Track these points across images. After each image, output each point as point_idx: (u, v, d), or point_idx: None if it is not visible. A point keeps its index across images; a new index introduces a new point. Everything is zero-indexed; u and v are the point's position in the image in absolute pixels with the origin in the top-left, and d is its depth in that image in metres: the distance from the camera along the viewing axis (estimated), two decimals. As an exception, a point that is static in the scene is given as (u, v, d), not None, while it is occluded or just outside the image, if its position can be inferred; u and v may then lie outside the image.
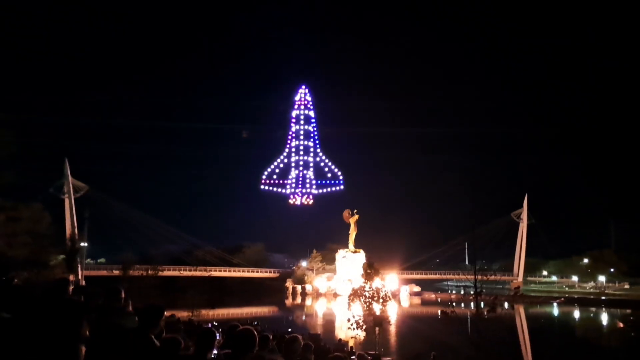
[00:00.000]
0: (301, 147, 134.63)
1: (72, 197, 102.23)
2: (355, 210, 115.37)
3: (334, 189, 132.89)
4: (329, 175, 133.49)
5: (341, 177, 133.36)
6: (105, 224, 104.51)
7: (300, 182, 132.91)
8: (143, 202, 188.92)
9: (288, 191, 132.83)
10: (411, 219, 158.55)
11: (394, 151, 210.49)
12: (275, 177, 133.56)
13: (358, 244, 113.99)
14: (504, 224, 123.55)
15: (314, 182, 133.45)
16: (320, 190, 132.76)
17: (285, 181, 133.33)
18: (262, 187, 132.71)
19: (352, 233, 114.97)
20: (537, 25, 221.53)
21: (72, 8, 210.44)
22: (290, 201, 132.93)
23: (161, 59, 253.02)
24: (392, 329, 49.60)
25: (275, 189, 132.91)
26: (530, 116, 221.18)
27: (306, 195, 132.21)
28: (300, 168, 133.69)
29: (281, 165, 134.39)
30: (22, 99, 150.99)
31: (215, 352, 6.65)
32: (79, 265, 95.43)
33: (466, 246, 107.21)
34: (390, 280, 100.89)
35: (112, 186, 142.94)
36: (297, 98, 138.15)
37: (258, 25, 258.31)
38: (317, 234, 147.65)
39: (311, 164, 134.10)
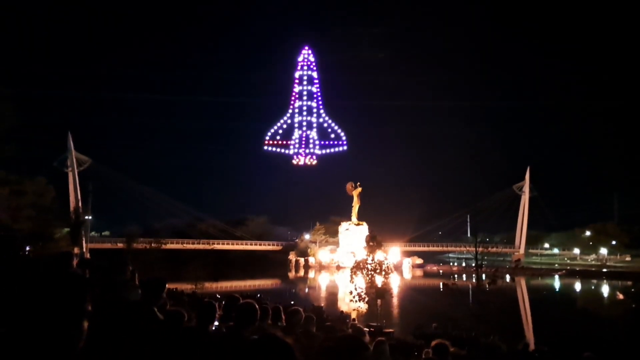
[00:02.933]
0: (304, 108, 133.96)
1: (76, 171, 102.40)
2: (359, 183, 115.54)
3: (337, 149, 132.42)
4: (332, 135, 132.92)
5: (344, 138, 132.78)
6: (109, 197, 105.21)
7: (303, 142, 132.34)
8: (147, 175, 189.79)
9: (291, 152, 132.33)
10: (414, 191, 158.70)
11: (397, 123, 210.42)
12: (278, 137, 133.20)
13: (361, 217, 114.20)
14: (506, 196, 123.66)
15: (317, 142, 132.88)
16: (324, 151, 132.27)
17: (289, 142, 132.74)
18: (264, 148, 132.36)
19: (355, 205, 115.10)
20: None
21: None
22: (294, 162, 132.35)
23: (161, 28, 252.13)
24: (394, 301, 49.93)
25: (278, 149, 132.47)
26: (532, 88, 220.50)
27: (310, 156, 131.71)
28: (304, 128, 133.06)
29: (284, 126, 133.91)
30: (25, 72, 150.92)
31: (216, 324, 6.78)
32: (84, 238, 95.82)
33: (468, 219, 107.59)
34: (393, 252, 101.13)
35: (115, 159, 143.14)
36: (300, 59, 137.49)
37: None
38: (320, 207, 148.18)
39: (314, 124, 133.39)
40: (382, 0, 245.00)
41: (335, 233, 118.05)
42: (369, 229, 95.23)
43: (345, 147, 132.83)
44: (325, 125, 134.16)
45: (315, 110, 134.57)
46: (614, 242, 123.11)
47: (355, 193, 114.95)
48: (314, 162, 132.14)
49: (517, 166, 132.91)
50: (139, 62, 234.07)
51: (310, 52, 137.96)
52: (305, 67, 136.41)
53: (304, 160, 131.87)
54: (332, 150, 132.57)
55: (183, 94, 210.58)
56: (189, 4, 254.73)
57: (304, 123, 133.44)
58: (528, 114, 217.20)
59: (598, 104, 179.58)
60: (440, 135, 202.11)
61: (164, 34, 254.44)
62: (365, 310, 37.00)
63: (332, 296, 65.87)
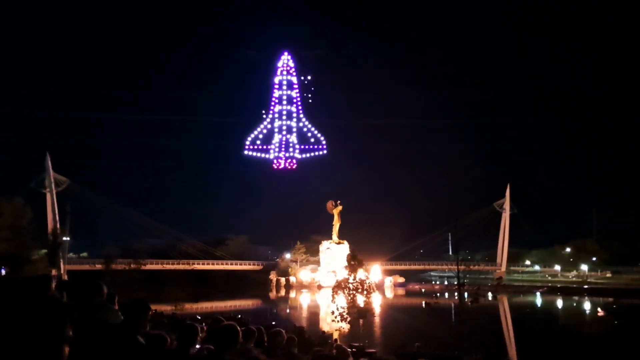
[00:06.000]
0: (284, 112, 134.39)
1: (54, 192, 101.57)
2: (339, 201, 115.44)
3: (317, 153, 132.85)
4: (312, 140, 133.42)
5: (324, 142, 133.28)
6: (87, 217, 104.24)
7: (283, 146, 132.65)
8: (125, 195, 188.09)
9: (272, 156, 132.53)
10: (395, 209, 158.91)
11: (377, 140, 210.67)
12: (258, 142, 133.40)
13: (342, 235, 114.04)
14: (487, 214, 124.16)
15: (297, 146, 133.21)
16: (304, 155, 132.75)
17: (269, 146, 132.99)
18: (245, 152, 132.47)
19: (336, 224, 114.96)
20: (518, 13, 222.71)
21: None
22: (274, 166, 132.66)
23: (138, 47, 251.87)
24: (377, 320, 49.77)
25: (258, 154, 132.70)
26: (511, 105, 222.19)
27: (289, 159, 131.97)
28: (284, 132, 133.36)
29: (264, 131, 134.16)
30: (1, 92, 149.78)
31: (197, 346, 6.63)
32: (62, 260, 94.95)
33: (449, 237, 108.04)
34: (374, 271, 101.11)
35: (93, 179, 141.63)
36: (279, 65, 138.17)
37: None
38: (301, 226, 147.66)
39: (294, 129, 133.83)
40: (361, 16, 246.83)
41: (316, 252, 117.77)
42: (350, 247, 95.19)
43: (325, 151, 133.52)
44: (305, 129, 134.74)
45: (295, 114, 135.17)
46: (594, 259, 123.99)
47: (335, 211, 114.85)
48: (294, 166, 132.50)
49: (497, 183, 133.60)
50: (115, 81, 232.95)
51: (289, 57, 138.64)
52: (285, 72, 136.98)
53: (284, 164, 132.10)
54: (312, 154, 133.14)
55: (160, 113, 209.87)
56: (163, 20, 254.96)
57: (284, 127, 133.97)
58: (507, 132, 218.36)
59: (577, 122, 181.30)
60: (419, 152, 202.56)
61: (140, 53, 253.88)
62: (347, 331, 36.73)
63: (314, 316, 65.49)
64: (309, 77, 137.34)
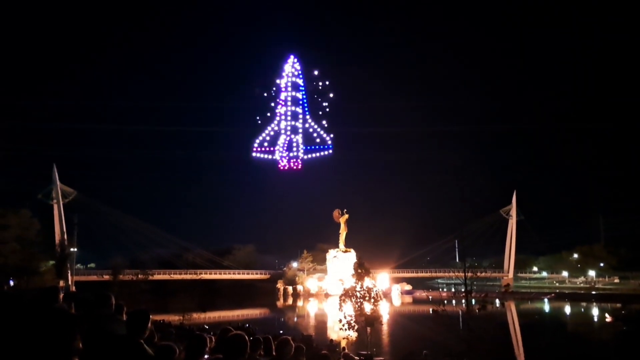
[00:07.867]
0: (289, 114, 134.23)
1: (61, 203, 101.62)
2: (345, 210, 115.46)
3: (322, 153, 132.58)
4: (318, 140, 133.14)
5: (330, 143, 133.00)
6: (94, 228, 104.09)
7: (286, 146, 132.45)
8: (132, 206, 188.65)
9: (277, 156, 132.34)
10: (401, 217, 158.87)
11: (383, 148, 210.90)
12: (265, 144, 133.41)
13: (348, 244, 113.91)
14: (494, 220, 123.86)
15: (302, 146, 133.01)
16: (310, 155, 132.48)
17: (275, 148, 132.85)
18: (253, 154, 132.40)
19: (343, 233, 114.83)
20: (523, 19, 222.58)
21: (70, 10, 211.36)
22: (280, 166, 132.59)
23: (144, 60, 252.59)
24: (384, 328, 49.66)
25: (265, 155, 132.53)
26: (518, 112, 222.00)
27: (294, 159, 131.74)
28: (289, 133, 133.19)
29: (271, 134, 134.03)
30: (9, 104, 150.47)
31: (206, 357, 6.64)
32: (69, 271, 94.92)
33: (456, 244, 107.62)
34: (382, 279, 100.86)
35: (100, 191, 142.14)
36: (285, 67, 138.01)
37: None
38: (308, 234, 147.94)
39: (300, 130, 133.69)
40: (366, 21, 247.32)
41: (323, 260, 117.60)
42: (356, 255, 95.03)
43: (330, 151, 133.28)
44: (311, 130, 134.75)
45: (300, 115, 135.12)
46: (601, 264, 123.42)
47: (342, 220, 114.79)
48: (299, 166, 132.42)
49: (503, 190, 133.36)
50: (121, 92, 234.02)
51: (296, 60, 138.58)
52: (291, 74, 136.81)
53: (289, 164, 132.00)
54: (318, 154, 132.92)
55: (165, 124, 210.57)
56: (168, 33, 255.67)
57: (289, 128, 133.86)
58: (513, 138, 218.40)
59: (583, 128, 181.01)
60: (426, 160, 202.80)
61: (145, 63, 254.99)
62: (355, 339, 36.63)
63: (322, 324, 65.36)
64: (316, 83, 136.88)
